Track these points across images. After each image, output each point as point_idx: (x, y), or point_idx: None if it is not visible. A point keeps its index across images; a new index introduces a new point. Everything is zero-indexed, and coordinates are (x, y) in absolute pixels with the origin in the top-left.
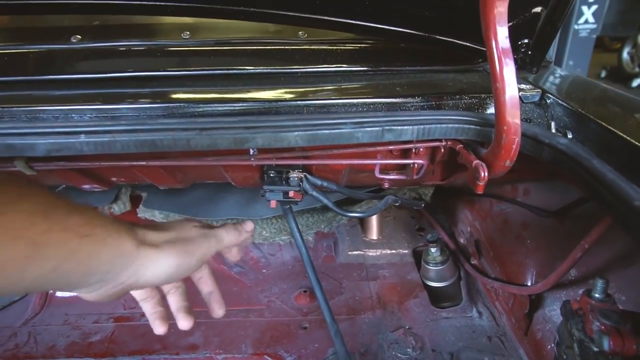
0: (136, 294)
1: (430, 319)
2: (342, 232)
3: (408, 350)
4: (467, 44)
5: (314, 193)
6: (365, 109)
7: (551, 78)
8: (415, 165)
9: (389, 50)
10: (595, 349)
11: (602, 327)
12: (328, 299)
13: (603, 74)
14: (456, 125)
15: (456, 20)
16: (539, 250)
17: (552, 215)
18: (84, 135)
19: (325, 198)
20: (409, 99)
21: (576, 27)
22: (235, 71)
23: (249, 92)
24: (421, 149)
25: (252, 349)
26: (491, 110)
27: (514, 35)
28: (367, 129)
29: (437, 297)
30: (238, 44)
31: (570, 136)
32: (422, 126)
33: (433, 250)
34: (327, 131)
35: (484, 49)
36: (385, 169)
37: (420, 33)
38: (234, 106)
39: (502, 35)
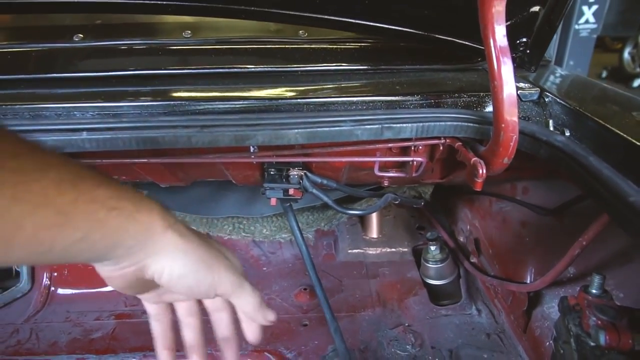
0: (150, 308)
1: (430, 316)
2: (342, 230)
3: (407, 347)
4: (467, 43)
5: (314, 191)
6: (364, 107)
7: (550, 77)
8: (414, 162)
9: (389, 49)
10: (592, 344)
11: (599, 322)
12: (328, 296)
13: (604, 74)
14: (455, 123)
15: (456, 19)
16: (538, 248)
17: (551, 213)
18: (86, 133)
19: (325, 196)
20: (408, 97)
21: (577, 27)
22: (236, 70)
23: (249, 90)
24: (420, 147)
25: (252, 346)
26: (490, 108)
27: (512, 34)
28: (367, 127)
29: (436, 295)
30: (239, 42)
31: (567, 134)
32: (421, 124)
33: (433, 248)
34: (327, 129)
35: (483, 48)
36: (384, 167)
37: (420, 32)
38: (235, 104)
39: (499, 33)
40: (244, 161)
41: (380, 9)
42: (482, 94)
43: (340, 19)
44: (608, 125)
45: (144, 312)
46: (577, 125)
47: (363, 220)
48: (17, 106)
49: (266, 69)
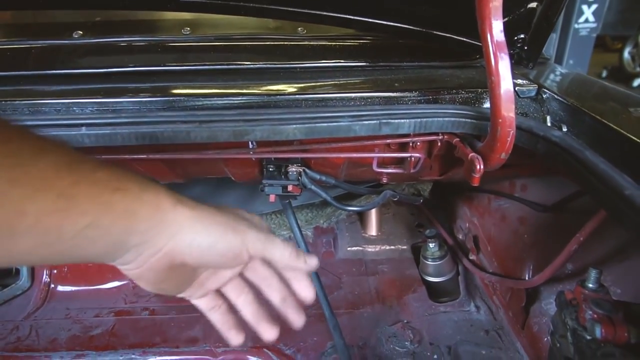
0: (201, 303)
1: (429, 313)
2: (341, 228)
3: (406, 343)
4: (465, 39)
5: (313, 187)
6: (363, 103)
7: (549, 74)
8: (413, 158)
9: (388, 46)
10: (588, 337)
11: (595, 316)
12: (327, 293)
13: (604, 73)
14: (453, 119)
15: (454, 16)
16: (536, 245)
17: (549, 210)
18: (85, 128)
19: (323, 192)
20: (407, 94)
21: (576, 26)
22: (234, 66)
23: (248, 86)
24: (418, 143)
25: (252, 342)
26: (488, 104)
27: (510, 31)
28: (365, 122)
29: (435, 292)
30: (238, 39)
31: (565, 129)
32: (419, 119)
33: (431, 245)
34: (325, 124)
35: (481, 44)
36: (383, 163)
37: (419, 29)
38: (234, 100)
39: (497, 29)
40: (242, 157)
41: (379, 6)
42: (479, 90)
43: (339, 15)
44: (605, 121)
45: (144, 309)
46: (574, 121)
47: (362, 218)
48: (17, 102)
49: (265, 66)
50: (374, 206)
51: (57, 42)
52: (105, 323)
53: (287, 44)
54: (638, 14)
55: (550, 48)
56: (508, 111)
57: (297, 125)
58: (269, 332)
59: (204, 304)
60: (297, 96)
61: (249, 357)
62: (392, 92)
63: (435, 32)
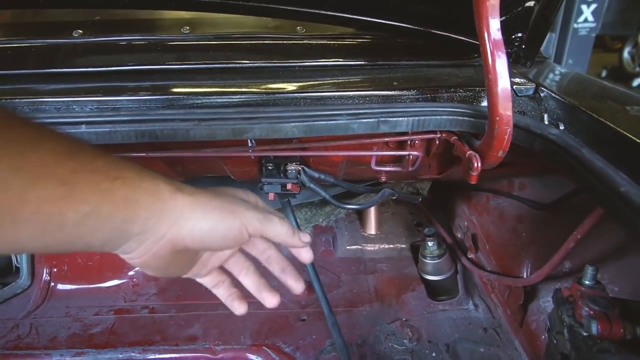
0: (206, 280)
1: (427, 311)
2: (340, 227)
3: (405, 341)
4: (463, 38)
5: (312, 185)
6: (361, 101)
7: (547, 73)
8: (411, 156)
9: (386, 45)
10: (584, 334)
11: (591, 313)
12: (326, 292)
13: (604, 73)
14: (450, 117)
15: (453, 15)
16: (534, 243)
17: (546, 208)
18: (85, 126)
19: (322, 190)
20: (405, 92)
21: (575, 25)
22: (234, 65)
23: (247, 85)
24: (416, 141)
25: (251, 340)
26: (485, 103)
27: (507, 29)
28: (363, 120)
29: (434, 291)
30: (237, 38)
31: (562, 127)
32: (416, 118)
33: (430, 244)
34: (324, 122)
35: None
36: (381, 161)
37: (417, 28)
38: (233, 98)
39: (494, 27)
40: (241, 155)
41: (378, 5)
42: (477, 88)
43: (338, 14)
44: (601, 119)
45: (143, 307)
46: (571, 119)
47: (361, 217)
48: (17, 100)
49: (264, 65)
50: (373, 204)
51: (57, 41)
52: (105, 321)
53: (286, 43)
54: (637, 13)
55: (549, 48)
56: (505, 109)
57: (296, 123)
58: (270, 300)
59: (208, 281)
60: (295, 94)
61: (248, 355)
62: (391, 90)
63: (433, 31)
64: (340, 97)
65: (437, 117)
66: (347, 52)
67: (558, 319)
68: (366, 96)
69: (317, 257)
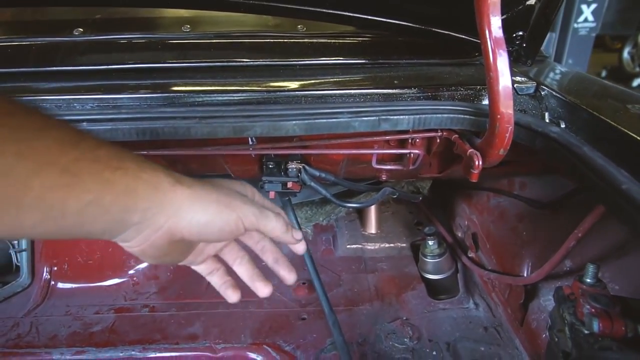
0: (201, 268)
1: (428, 310)
2: (341, 226)
3: (405, 340)
4: (465, 37)
5: (313, 184)
6: (362, 100)
7: (548, 72)
8: (412, 155)
9: (387, 43)
10: (586, 332)
11: (592, 310)
12: (327, 290)
13: (604, 73)
14: (451, 115)
15: (454, 13)
16: (535, 242)
17: (546, 207)
18: (86, 123)
19: (323, 189)
20: (406, 90)
21: (575, 25)
22: (234, 63)
23: (248, 83)
24: (417, 140)
25: (251, 339)
26: (486, 101)
27: (508, 28)
28: (364, 118)
29: (434, 290)
30: (238, 37)
31: (563, 126)
32: (417, 116)
33: (430, 243)
34: (325, 120)
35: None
36: (382, 160)
37: (418, 26)
38: (234, 96)
39: (495, 25)
40: (242, 154)
41: (378, 3)
42: (478, 87)
43: (339, 13)
44: (602, 117)
45: (144, 306)
46: (572, 118)
47: (362, 216)
48: (18, 98)
49: (265, 63)
50: (374, 202)
51: (58, 39)
52: (105, 320)
53: (286, 42)
54: (637, 13)
55: (549, 47)
56: (506, 107)
57: (297, 121)
58: (262, 289)
59: (203, 268)
60: (296, 93)
61: (248, 353)
62: (392, 89)
63: (434, 29)
64: (341, 95)
65: (438, 115)
66: (348, 50)
67: (559, 317)
68: (367, 94)
69: (318, 256)
